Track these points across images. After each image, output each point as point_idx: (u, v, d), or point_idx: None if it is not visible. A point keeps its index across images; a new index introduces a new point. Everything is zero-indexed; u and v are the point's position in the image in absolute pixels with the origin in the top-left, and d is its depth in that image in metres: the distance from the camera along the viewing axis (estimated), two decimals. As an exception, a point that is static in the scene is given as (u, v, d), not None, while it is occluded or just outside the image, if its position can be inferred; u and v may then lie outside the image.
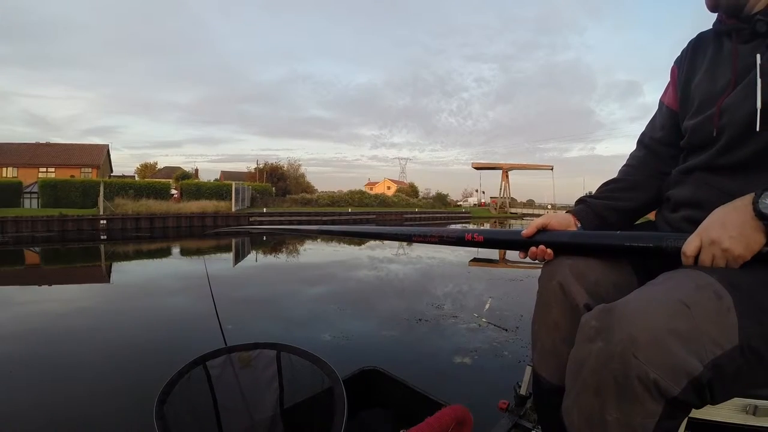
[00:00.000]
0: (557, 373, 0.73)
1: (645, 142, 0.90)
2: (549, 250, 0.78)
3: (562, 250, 0.78)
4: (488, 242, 0.89)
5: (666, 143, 0.86)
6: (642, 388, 0.51)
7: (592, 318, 0.57)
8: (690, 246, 0.61)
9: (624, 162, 0.94)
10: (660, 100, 0.88)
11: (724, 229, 0.58)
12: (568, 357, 0.61)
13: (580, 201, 0.88)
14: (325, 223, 18.27)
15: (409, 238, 1.05)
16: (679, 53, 0.86)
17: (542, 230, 0.81)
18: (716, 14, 0.77)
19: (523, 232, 0.82)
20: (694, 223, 0.64)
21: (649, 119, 0.92)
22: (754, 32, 0.67)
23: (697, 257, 0.61)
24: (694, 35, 0.84)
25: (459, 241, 0.91)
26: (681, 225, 0.74)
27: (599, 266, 0.74)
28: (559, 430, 0.67)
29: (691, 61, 0.80)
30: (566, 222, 0.83)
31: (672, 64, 0.87)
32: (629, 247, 0.70)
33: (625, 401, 0.52)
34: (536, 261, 0.81)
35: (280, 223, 17.58)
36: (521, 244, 0.82)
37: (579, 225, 0.83)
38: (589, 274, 0.73)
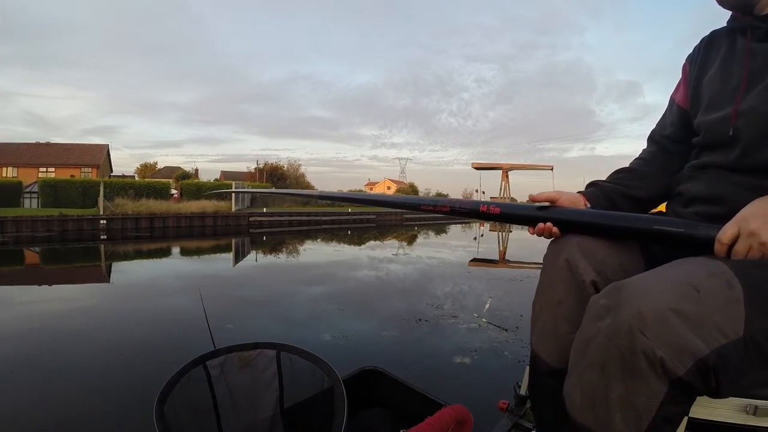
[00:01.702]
0: (556, 354, 0.73)
1: (655, 138, 0.91)
2: (555, 229, 0.78)
3: (572, 228, 0.77)
4: (504, 216, 0.87)
5: (675, 140, 0.86)
6: (648, 365, 0.51)
7: (602, 297, 0.57)
8: (726, 234, 0.59)
9: (627, 162, 0.94)
10: (671, 97, 0.88)
11: (766, 222, 0.57)
12: (574, 337, 0.61)
13: (591, 184, 0.88)
14: (325, 222, 18.26)
15: (417, 207, 1.02)
16: (679, 53, 0.87)
17: (552, 206, 0.80)
18: (729, 13, 0.77)
19: (533, 195, 0.82)
20: (708, 218, 0.65)
21: (654, 116, 0.93)
22: None
23: (730, 247, 0.59)
24: (694, 35, 0.84)
25: (473, 212, 0.89)
26: (693, 220, 0.73)
27: (606, 246, 0.74)
28: (553, 415, 0.67)
29: (704, 57, 0.80)
30: (576, 201, 0.83)
31: (676, 63, 0.88)
32: (656, 230, 0.68)
33: (631, 378, 0.52)
34: (543, 237, 0.80)
35: (281, 223, 17.58)
36: (532, 219, 0.81)
37: (588, 206, 0.83)
38: (596, 252, 0.73)
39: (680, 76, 0.86)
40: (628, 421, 0.52)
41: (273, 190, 6.32)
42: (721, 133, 0.70)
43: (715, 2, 0.76)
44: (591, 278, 0.71)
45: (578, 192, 0.86)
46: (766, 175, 0.65)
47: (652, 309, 0.51)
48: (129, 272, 6.68)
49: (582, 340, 0.58)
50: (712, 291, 0.53)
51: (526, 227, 0.83)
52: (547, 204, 0.81)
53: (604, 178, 0.91)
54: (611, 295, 0.56)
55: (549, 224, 0.78)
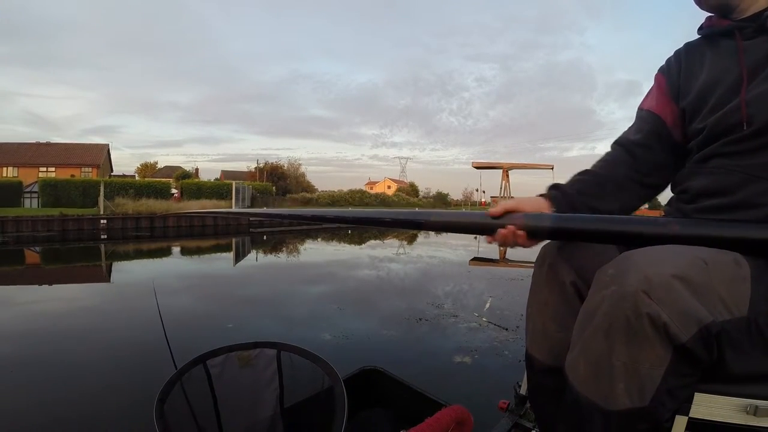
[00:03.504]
0: (547, 352, 0.75)
1: (621, 142, 0.86)
2: (521, 231, 0.68)
3: (538, 234, 0.69)
4: (445, 226, 0.79)
5: (644, 145, 0.82)
6: (652, 329, 0.50)
7: (610, 266, 0.57)
8: None
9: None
10: (639, 108, 0.86)
11: None
12: (562, 335, 0.63)
13: (554, 187, 0.80)
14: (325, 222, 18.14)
15: (347, 220, 0.97)
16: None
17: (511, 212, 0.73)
18: (701, 22, 0.79)
19: (490, 211, 0.73)
20: (715, 212, 0.66)
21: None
22: (761, 28, 0.68)
23: None
24: (693, 35, 0.84)
25: (412, 224, 0.81)
26: (700, 216, 0.71)
27: (587, 247, 0.74)
28: (551, 411, 0.67)
29: (688, 67, 0.80)
30: (538, 207, 0.75)
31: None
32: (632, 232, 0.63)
33: (635, 342, 0.51)
34: (507, 246, 0.72)
35: (281, 222, 17.56)
36: (488, 227, 0.72)
37: (554, 210, 0.76)
38: (576, 253, 0.74)
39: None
40: (632, 392, 0.52)
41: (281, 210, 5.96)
42: (730, 123, 0.69)
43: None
44: (570, 279, 0.73)
45: (539, 195, 0.79)
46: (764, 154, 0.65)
47: (658, 274, 0.51)
48: (129, 272, 6.68)
49: (587, 311, 0.58)
50: (720, 266, 0.54)
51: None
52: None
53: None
54: (619, 263, 0.56)
55: (511, 227, 0.69)
